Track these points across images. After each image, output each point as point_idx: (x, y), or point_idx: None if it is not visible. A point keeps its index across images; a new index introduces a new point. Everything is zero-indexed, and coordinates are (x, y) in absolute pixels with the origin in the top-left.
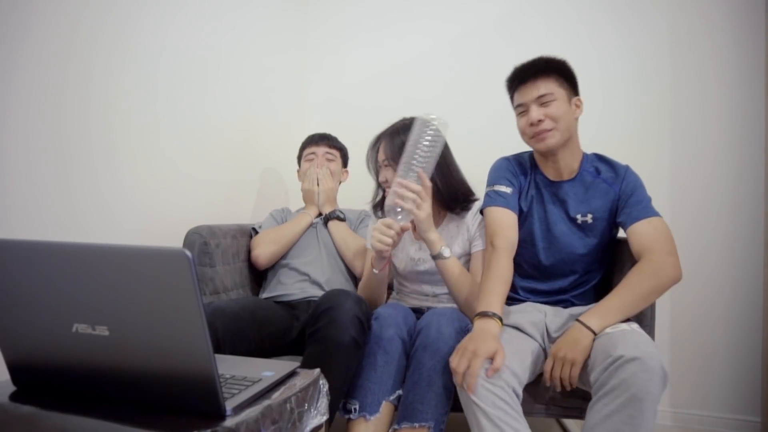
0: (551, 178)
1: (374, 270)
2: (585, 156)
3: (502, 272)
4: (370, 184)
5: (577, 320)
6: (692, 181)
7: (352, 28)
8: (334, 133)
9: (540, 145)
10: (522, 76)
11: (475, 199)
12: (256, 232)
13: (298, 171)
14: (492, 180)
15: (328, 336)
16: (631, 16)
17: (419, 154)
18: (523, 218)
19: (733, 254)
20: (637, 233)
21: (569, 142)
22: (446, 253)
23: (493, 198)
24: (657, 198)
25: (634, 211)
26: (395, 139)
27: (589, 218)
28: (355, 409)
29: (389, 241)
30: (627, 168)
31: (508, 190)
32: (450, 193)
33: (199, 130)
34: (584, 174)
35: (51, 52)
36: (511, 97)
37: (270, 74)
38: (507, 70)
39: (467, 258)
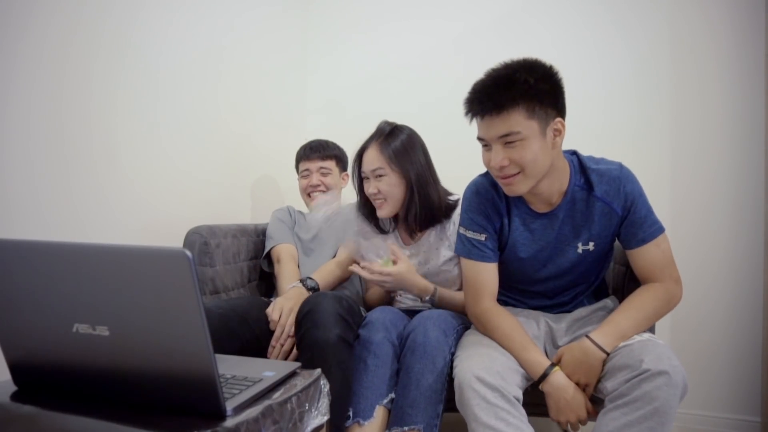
0: (539, 210)
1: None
2: (571, 169)
3: (510, 322)
4: None
5: (588, 337)
6: (693, 182)
7: (351, 29)
8: (333, 136)
9: (506, 189)
10: (481, 108)
11: (454, 203)
12: (264, 235)
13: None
14: (463, 220)
15: (314, 339)
16: (632, 16)
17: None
18: (511, 254)
19: (733, 255)
20: (645, 258)
21: (550, 173)
22: (428, 304)
23: (467, 248)
24: (658, 200)
25: (640, 233)
26: (392, 142)
27: (591, 246)
28: (349, 415)
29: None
30: (620, 174)
31: (481, 237)
32: (429, 212)
33: (199, 129)
34: (575, 191)
35: (51, 52)
36: (472, 120)
37: (270, 74)
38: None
39: (457, 260)
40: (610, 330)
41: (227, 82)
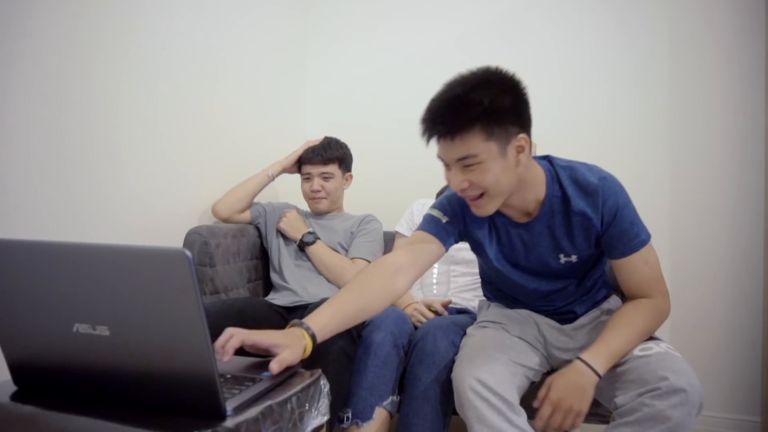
0: (518, 220)
1: None
2: (547, 177)
3: (358, 289)
4: (372, 187)
5: (580, 359)
6: (693, 182)
7: (351, 27)
8: (334, 135)
9: (474, 211)
10: (435, 131)
11: None
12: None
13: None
14: (436, 203)
15: (315, 347)
16: (633, 15)
17: None
18: (497, 262)
19: (733, 255)
20: (631, 273)
21: (520, 187)
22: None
23: (426, 222)
24: (658, 199)
25: (620, 246)
26: None
27: (573, 258)
28: (347, 417)
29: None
30: (601, 187)
31: (444, 219)
32: None
33: (199, 129)
34: (553, 202)
35: (51, 52)
36: (429, 141)
37: (271, 73)
38: (512, 70)
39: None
40: (601, 349)
41: (227, 82)
